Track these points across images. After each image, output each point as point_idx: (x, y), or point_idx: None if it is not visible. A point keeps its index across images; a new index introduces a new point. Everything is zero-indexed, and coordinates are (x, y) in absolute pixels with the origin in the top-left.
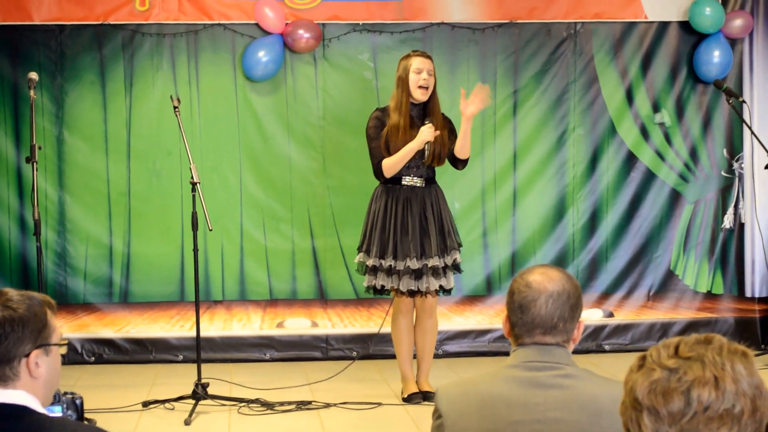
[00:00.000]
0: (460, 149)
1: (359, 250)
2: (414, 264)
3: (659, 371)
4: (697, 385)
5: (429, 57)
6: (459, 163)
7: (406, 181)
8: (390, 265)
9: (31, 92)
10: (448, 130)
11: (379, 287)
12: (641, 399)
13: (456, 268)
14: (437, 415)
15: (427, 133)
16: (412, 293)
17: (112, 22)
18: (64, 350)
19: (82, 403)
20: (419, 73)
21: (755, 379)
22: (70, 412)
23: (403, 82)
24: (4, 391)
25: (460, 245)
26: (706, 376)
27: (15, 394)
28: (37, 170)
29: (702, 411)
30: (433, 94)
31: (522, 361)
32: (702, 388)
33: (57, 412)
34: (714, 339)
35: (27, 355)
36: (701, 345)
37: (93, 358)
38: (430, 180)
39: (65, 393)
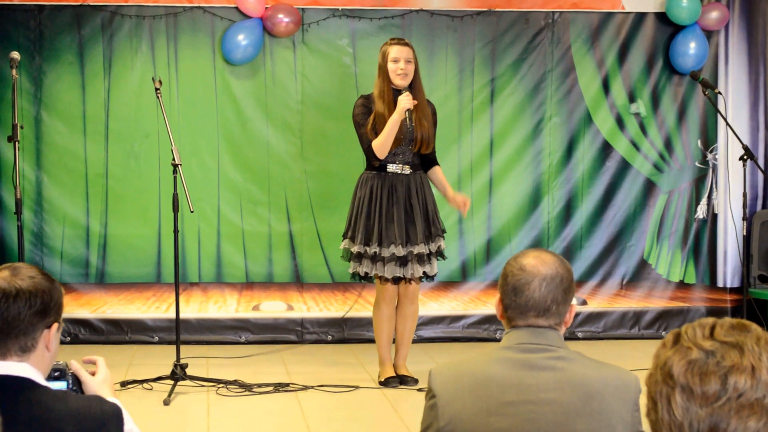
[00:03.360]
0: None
1: (344, 236)
2: (399, 251)
3: (696, 351)
4: (734, 371)
5: (407, 44)
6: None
7: (392, 168)
8: (375, 252)
9: (13, 72)
10: (432, 115)
11: (363, 274)
12: (676, 376)
13: (440, 254)
14: (431, 395)
15: (405, 101)
16: (396, 280)
17: (91, 3)
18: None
19: None
20: (396, 62)
21: None
22: (75, 388)
23: (383, 70)
24: (16, 364)
25: (444, 231)
26: (744, 364)
27: (20, 367)
28: (18, 150)
29: (736, 397)
30: (416, 78)
31: (515, 343)
32: (739, 375)
33: (62, 386)
34: (751, 327)
35: (49, 327)
36: (738, 331)
37: (69, 338)
38: (416, 167)
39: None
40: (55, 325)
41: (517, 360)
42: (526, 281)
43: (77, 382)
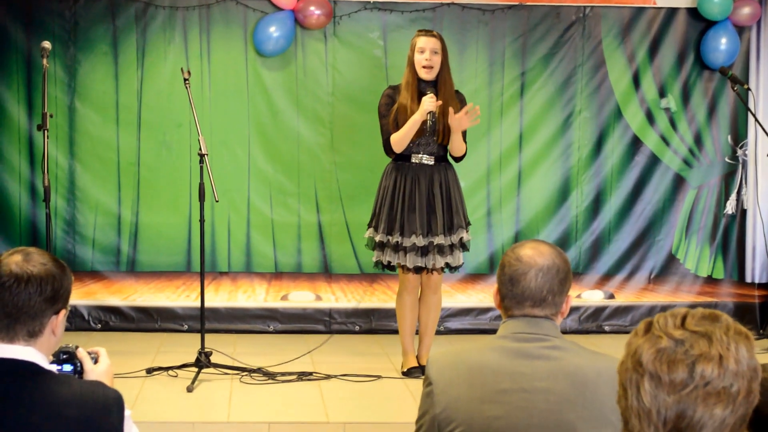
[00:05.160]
0: (452, 149)
1: (369, 225)
2: (420, 241)
3: (666, 340)
4: (702, 360)
5: (435, 35)
6: (455, 159)
7: (416, 158)
8: (397, 242)
9: (44, 61)
10: (461, 106)
11: (386, 263)
12: (645, 364)
13: (463, 246)
14: (427, 382)
15: (428, 103)
16: (418, 270)
17: None
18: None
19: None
20: (422, 52)
21: (753, 361)
22: (80, 370)
23: (410, 61)
24: (22, 348)
25: (468, 224)
26: (712, 353)
27: (25, 351)
28: (48, 138)
29: (703, 385)
30: (444, 70)
31: (511, 332)
32: (706, 364)
33: (70, 369)
34: (721, 317)
35: (57, 313)
36: (708, 321)
37: (99, 326)
38: (441, 158)
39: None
40: (63, 311)
41: (512, 349)
42: (523, 272)
43: (80, 369)
